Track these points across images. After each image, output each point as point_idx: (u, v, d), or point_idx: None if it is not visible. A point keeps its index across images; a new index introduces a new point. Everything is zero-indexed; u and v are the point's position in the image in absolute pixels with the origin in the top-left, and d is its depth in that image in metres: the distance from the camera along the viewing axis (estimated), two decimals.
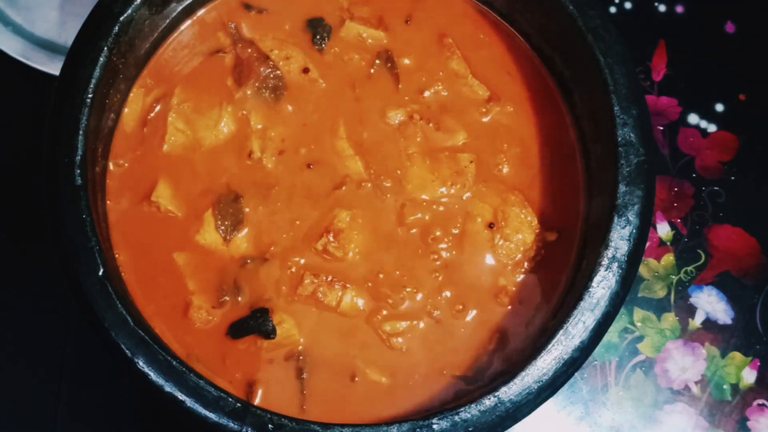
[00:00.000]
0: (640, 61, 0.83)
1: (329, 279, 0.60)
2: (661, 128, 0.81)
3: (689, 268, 0.78)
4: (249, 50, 0.65)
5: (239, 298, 0.60)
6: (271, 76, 0.64)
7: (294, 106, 0.64)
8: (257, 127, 0.63)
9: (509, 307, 0.61)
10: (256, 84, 0.64)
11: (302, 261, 0.61)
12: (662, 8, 0.85)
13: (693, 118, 0.82)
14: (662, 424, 0.74)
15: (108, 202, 0.61)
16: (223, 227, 0.61)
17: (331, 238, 0.61)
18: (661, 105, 0.82)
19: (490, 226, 0.63)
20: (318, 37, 0.66)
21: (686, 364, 0.75)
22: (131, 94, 0.64)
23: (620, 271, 0.57)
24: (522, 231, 0.63)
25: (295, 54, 0.65)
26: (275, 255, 0.61)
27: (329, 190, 0.62)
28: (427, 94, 0.65)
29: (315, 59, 0.66)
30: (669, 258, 0.78)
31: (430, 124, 0.64)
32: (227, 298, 0.60)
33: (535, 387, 0.54)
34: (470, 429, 0.53)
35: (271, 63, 0.64)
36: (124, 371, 0.53)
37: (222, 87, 0.64)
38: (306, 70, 0.65)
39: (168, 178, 0.62)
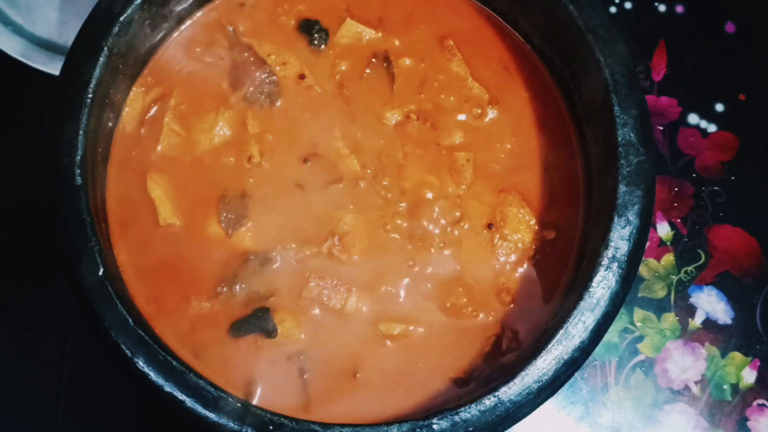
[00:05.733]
0: (640, 61, 0.83)
1: (334, 283, 0.60)
2: (661, 128, 0.81)
3: (689, 268, 0.78)
4: (246, 54, 0.65)
5: (236, 289, 0.60)
6: (267, 81, 0.64)
7: (291, 110, 0.64)
8: (255, 130, 0.63)
9: (509, 307, 0.61)
10: (251, 89, 0.64)
11: (307, 263, 0.61)
12: (662, 8, 0.85)
13: (693, 118, 0.82)
14: (662, 424, 0.74)
15: (108, 201, 0.61)
16: (225, 221, 0.61)
17: (336, 241, 0.61)
18: (661, 105, 0.82)
19: (489, 226, 0.63)
20: (315, 40, 0.66)
21: (686, 364, 0.75)
22: (131, 94, 0.64)
23: (620, 271, 0.57)
24: (520, 231, 0.63)
25: (291, 60, 0.65)
26: (279, 256, 0.61)
27: (329, 191, 0.62)
28: (424, 94, 0.65)
29: (312, 61, 0.66)
30: (669, 258, 0.78)
31: (427, 124, 0.65)
32: (225, 289, 0.60)
33: (535, 387, 0.54)
34: (470, 429, 0.53)
35: (267, 68, 0.64)
36: (124, 371, 0.53)
37: (219, 90, 0.64)
38: (302, 77, 0.65)
39: (165, 181, 0.62)
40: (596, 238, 0.59)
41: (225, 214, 0.61)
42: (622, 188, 0.58)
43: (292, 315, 0.60)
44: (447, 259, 0.62)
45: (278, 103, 0.64)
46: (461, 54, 0.66)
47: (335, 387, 0.59)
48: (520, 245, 0.63)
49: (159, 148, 0.62)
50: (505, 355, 0.60)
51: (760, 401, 0.75)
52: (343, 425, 0.52)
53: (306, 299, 0.60)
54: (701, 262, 0.78)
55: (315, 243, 0.61)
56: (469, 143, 0.65)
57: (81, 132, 0.57)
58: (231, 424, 0.52)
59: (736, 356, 0.76)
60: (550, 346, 0.55)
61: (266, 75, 0.64)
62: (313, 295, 0.60)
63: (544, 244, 0.63)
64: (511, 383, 0.54)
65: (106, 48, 0.59)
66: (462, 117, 0.65)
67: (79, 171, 0.56)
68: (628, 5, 0.84)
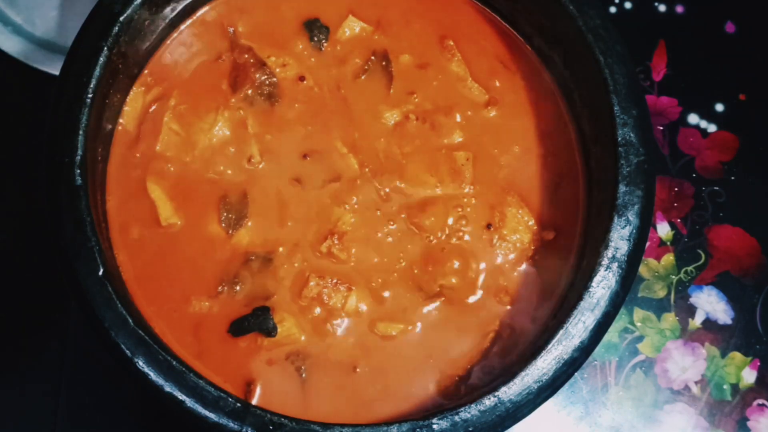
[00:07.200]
0: (640, 61, 0.83)
1: (334, 282, 0.60)
2: (661, 128, 0.81)
3: (689, 268, 0.78)
4: (246, 55, 0.65)
5: (236, 289, 0.60)
6: (267, 82, 0.64)
7: (290, 111, 0.64)
8: (254, 131, 0.63)
9: (509, 307, 0.61)
10: (251, 90, 0.64)
11: (307, 263, 0.61)
12: (662, 8, 0.85)
13: (693, 118, 0.82)
14: (662, 424, 0.74)
15: (108, 201, 0.61)
16: (225, 221, 0.61)
17: (336, 241, 0.61)
18: (661, 105, 0.82)
19: (488, 226, 0.63)
20: (315, 38, 0.66)
21: (686, 364, 0.75)
22: (131, 93, 0.64)
23: (620, 271, 0.57)
24: (519, 231, 0.63)
25: (291, 62, 0.65)
26: (279, 256, 0.61)
27: (327, 189, 0.63)
28: (424, 94, 0.65)
29: (312, 62, 0.66)
30: (669, 258, 0.78)
31: (426, 124, 0.65)
32: (225, 289, 0.60)
33: (535, 387, 0.54)
34: (470, 429, 0.53)
35: (267, 69, 0.64)
36: (124, 371, 0.53)
37: (218, 91, 0.64)
38: (302, 78, 0.65)
39: (164, 181, 0.62)
40: (596, 238, 0.59)
41: (225, 214, 0.61)
42: (622, 188, 0.58)
43: (292, 314, 0.60)
44: (445, 258, 0.62)
45: (278, 104, 0.64)
46: (461, 54, 0.66)
47: (335, 386, 0.59)
48: (518, 245, 0.63)
49: (158, 147, 0.62)
50: (505, 354, 0.60)
51: (760, 401, 0.75)
52: (343, 425, 0.52)
53: (306, 298, 0.60)
54: (701, 262, 0.78)
55: (315, 242, 0.61)
56: (469, 143, 0.65)
57: (81, 132, 0.57)
58: (231, 424, 0.52)
59: (736, 356, 0.76)
60: (550, 346, 0.55)
61: (266, 77, 0.64)
62: (313, 295, 0.60)
63: (543, 244, 0.63)
64: (511, 383, 0.54)
65: (106, 48, 0.59)
66: (461, 117, 0.65)
67: (79, 171, 0.56)
68: (628, 5, 0.84)
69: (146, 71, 0.64)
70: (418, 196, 0.63)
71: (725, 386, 0.75)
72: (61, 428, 0.71)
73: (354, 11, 0.67)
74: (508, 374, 0.55)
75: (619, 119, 0.59)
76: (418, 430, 0.53)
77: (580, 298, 0.56)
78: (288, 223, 0.62)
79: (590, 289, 0.56)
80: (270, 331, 0.59)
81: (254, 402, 0.57)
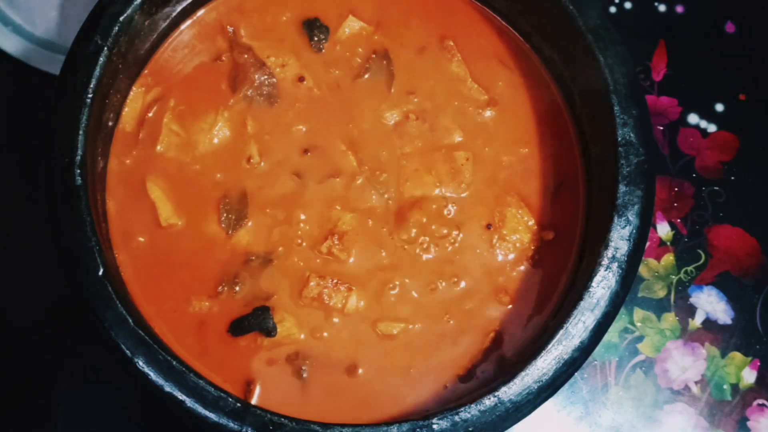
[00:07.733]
0: (640, 61, 0.83)
1: (334, 282, 0.60)
2: (661, 128, 0.81)
3: (689, 268, 0.78)
4: (245, 56, 0.65)
5: (236, 289, 0.60)
6: (266, 83, 0.64)
7: (290, 111, 0.64)
8: (254, 131, 0.63)
9: (509, 307, 0.61)
10: (250, 91, 0.64)
11: (307, 263, 0.61)
12: (662, 8, 0.85)
13: (693, 118, 0.82)
14: (662, 424, 0.74)
15: (108, 201, 0.61)
16: (225, 222, 0.61)
17: (336, 241, 0.61)
18: (661, 105, 0.82)
19: (488, 226, 0.63)
20: (315, 38, 0.66)
21: (686, 364, 0.75)
22: (131, 94, 0.64)
23: (620, 271, 0.57)
24: (519, 231, 0.63)
25: (291, 62, 0.65)
26: (279, 256, 0.61)
27: (326, 185, 0.63)
28: (423, 94, 0.65)
29: (312, 61, 0.66)
30: (669, 258, 0.78)
31: (426, 124, 0.65)
32: (225, 289, 0.60)
33: (535, 387, 0.54)
34: (470, 429, 0.53)
35: (267, 70, 0.64)
36: (124, 371, 0.53)
37: (218, 91, 0.64)
38: (302, 79, 0.65)
39: (164, 181, 0.62)
40: (596, 238, 0.59)
41: (225, 215, 0.61)
42: (622, 188, 0.58)
43: (292, 314, 0.60)
44: (445, 258, 0.62)
45: (277, 105, 0.64)
46: (461, 54, 0.66)
47: (335, 386, 0.59)
48: (518, 245, 0.63)
49: (159, 148, 0.62)
50: (505, 354, 0.60)
51: (760, 401, 0.75)
52: (343, 425, 0.52)
53: (306, 299, 0.60)
54: (701, 262, 0.78)
55: (315, 242, 0.61)
56: (468, 143, 0.65)
57: (81, 132, 0.57)
58: (231, 424, 0.52)
59: (736, 356, 0.76)
60: (550, 346, 0.55)
61: (266, 77, 0.64)
62: (314, 295, 0.60)
63: (543, 244, 0.63)
64: (511, 383, 0.54)
65: (106, 48, 0.59)
66: (461, 117, 0.65)
67: (79, 171, 0.56)
68: (628, 5, 0.84)
69: (146, 71, 0.65)
70: (417, 196, 0.63)
71: (725, 386, 0.75)
72: (61, 428, 0.71)
73: (354, 11, 0.67)
74: (508, 374, 0.55)
75: (619, 119, 0.59)
76: (418, 430, 0.53)
77: (580, 298, 0.56)
78: (288, 223, 0.62)
79: (590, 289, 0.56)
80: (270, 331, 0.59)
81: (254, 402, 0.57)
